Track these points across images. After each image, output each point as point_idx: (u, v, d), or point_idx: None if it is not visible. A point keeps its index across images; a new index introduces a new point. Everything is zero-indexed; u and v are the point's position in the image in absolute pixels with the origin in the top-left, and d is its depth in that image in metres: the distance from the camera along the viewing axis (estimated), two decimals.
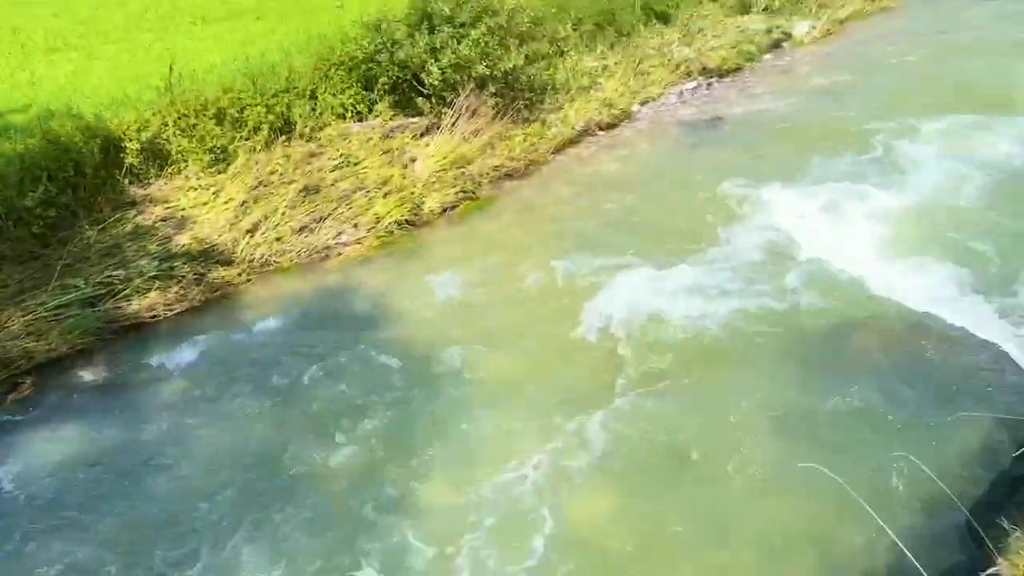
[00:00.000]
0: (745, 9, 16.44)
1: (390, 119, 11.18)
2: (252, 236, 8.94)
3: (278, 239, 8.98)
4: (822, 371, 6.34)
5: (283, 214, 9.20)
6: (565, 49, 12.69)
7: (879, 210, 8.69)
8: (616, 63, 13.71)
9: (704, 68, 14.52)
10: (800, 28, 16.28)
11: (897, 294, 7.09)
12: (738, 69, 14.83)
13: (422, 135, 11.13)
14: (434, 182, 10.28)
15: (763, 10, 16.49)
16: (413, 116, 11.36)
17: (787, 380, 6.25)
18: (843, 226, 8.41)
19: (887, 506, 4.79)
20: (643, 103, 13.50)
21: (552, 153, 11.76)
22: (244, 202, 9.25)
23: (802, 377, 6.28)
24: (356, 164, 10.21)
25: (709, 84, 14.31)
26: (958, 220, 8.29)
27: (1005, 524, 4.56)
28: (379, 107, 11.13)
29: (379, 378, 6.78)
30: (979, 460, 5.29)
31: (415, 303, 7.97)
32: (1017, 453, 4.90)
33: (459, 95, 10.95)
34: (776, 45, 15.96)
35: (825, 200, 8.99)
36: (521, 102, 11.76)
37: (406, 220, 9.67)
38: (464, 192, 10.47)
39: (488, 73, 10.96)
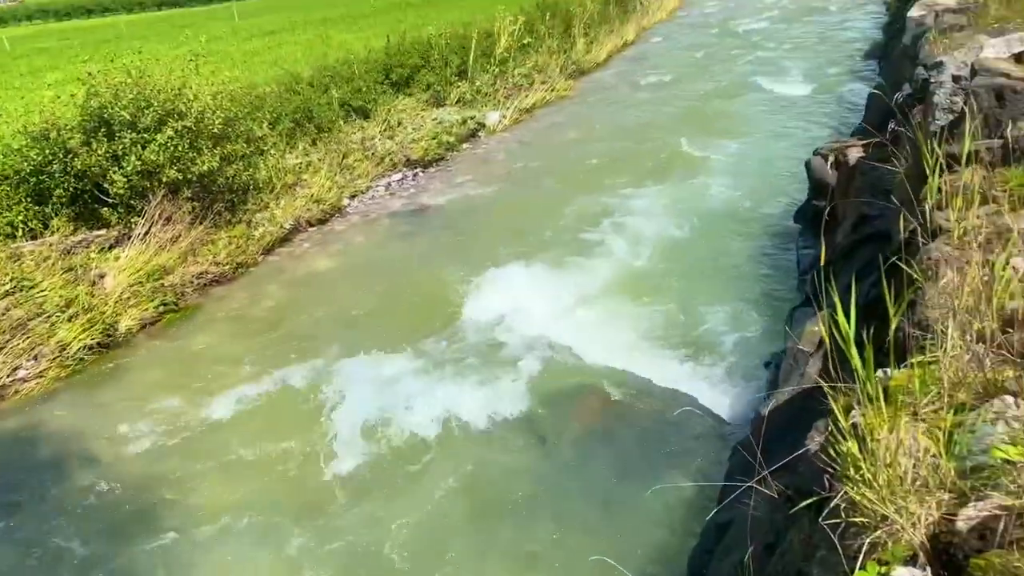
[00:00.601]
0: (439, 102, 17.24)
1: (71, 233, 10.13)
2: None
3: None
4: (535, 454, 6.41)
5: None
6: (264, 148, 12.39)
7: (583, 281, 9.22)
8: (320, 159, 13.65)
9: (408, 159, 14.92)
10: (492, 117, 17.37)
11: (605, 360, 7.50)
12: (440, 159, 15.41)
13: (111, 248, 10.20)
14: (128, 297, 9.41)
15: (456, 102, 17.40)
16: (99, 228, 10.40)
17: (496, 472, 6.22)
18: (551, 301, 8.81)
19: None
20: (352, 196, 13.54)
21: (262, 254, 11.34)
22: None
23: (509, 465, 6.28)
24: (32, 287, 9.05)
25: (415, 175, 14.71)
26: (649, 283, 9.04)
27: None
28: (56, 222, 10.05)
29: (59, 548, 5.88)
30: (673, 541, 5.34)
31: (111, 440, 7.09)
32: (704, 526, 4.97)
33: (150, 202, 10.22)
34: (473, 134, 16.85)
35: (535, 278, 9.41)
36: (222, 204, 11.24)
37: (98, 343, 8.72)
38: (165, 304, 9.69)
39: (181, 177, 10.35)
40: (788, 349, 5.43)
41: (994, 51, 5.47)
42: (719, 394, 6.79)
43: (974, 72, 5.08)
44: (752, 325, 7.79)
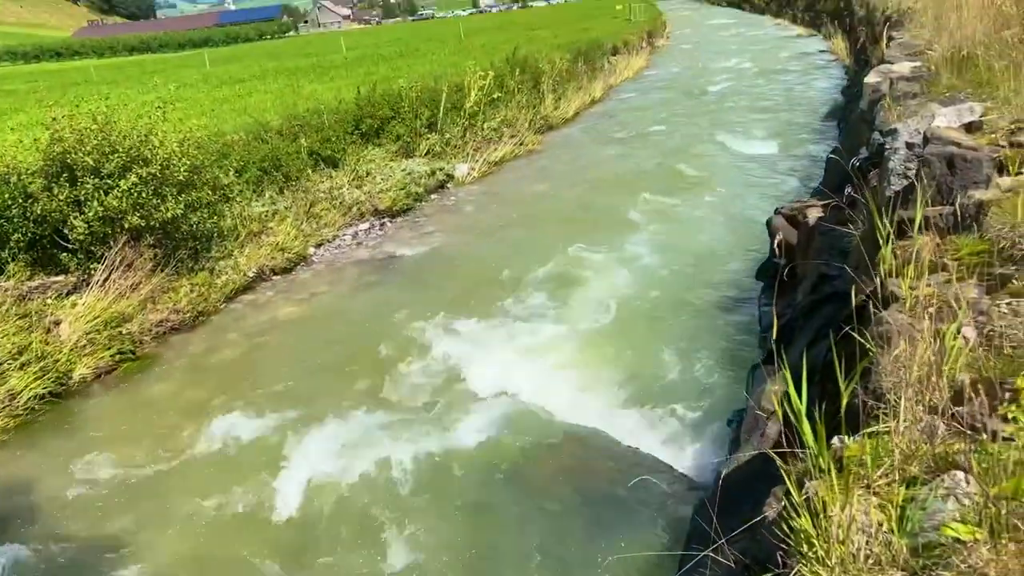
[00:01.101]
0: (409, 153, 17.35)
1: (28, 279, 9.95)
2: None
3: None
4: (487, 518, 6.27)
5: None
6: (231, 195, 12.33)
7: (548, 337, 9.18)
8: (287, 207, 13.61)
9: (376, 209, 14.95)
10: (461, 169, 17.52)
11: (564, 416, 7.45)
12: (409, 209, 15.46)
13: (69, 294, 10.02)
14: (84, 345, 9.21)
15: (425, 154, 17.52)
16: (57, 274, 10.23)
17: (444, 536, 6.07)
18: (516, 356, 8.77)
19: None
20: (318, 245, 13.50)
21: (224, 302, 11.21)
22: None
23: (459, 528, 6.13)
24: None
25: (382, 224, 14.72)
26: (611, 337, 9.04)
27: None
28: (13, 267, 9.87)
29: None
30: None
31: (56, 493, 6.87)
32: None
33: (111, 248, 10.08)
34: (441, 186, 16.96)
35: (500, 332, 9.38)
36: (185, 251, 11.12)
37: (50, 392, 8.50)
38: (122, 353, 9.52)
39: (144, 224, 10.24)
40: (748, 409, 5.44)
41: (945, 120, 5.63)
42: (681, 452, 6.76)
43: (926, 140, 5.22)
44: (716, 381, 7.80)
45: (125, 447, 7.61)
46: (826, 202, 8.33)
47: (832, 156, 10.40)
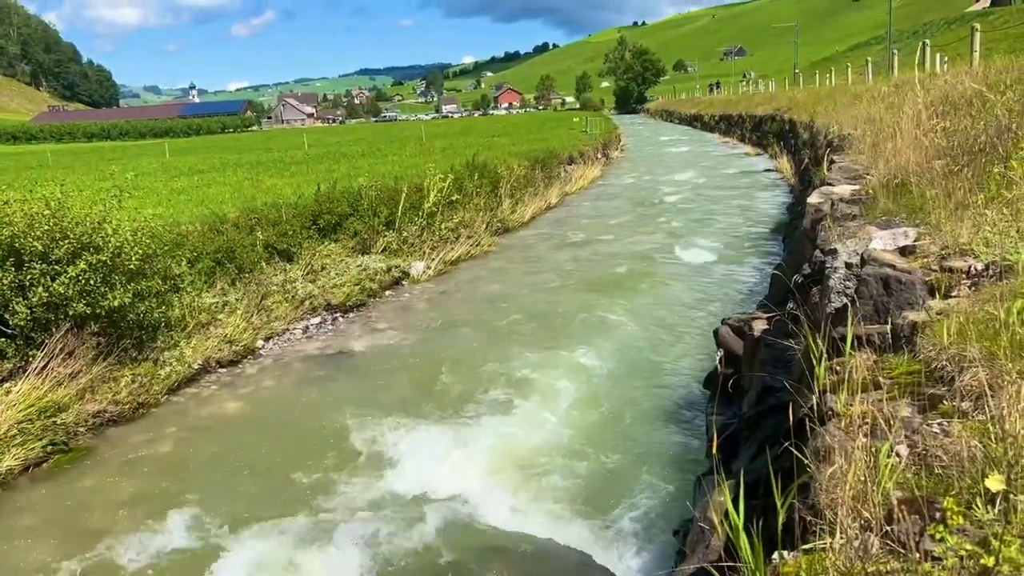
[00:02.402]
0: (365, 249, 17.47)
1: None
2: None
3: None
4: None
5: None
6: (181, 286, 12.21)
7: (496, 443, 9.07)
8: (238, 299, 13.50)
9: (329, 304, 14.91)
10: (417, 267, 17.66)
11: (510, 525, 7.32)
12: (362, 305, 15.46)
13: (3, 381, 9.68)
14: (15, 435, 8.85)
15: (382, 251, 17.66)
16: None
17: None
18: (462, 461, 8.64)
19: None
20: (268, 338, 13.36)
21: (166, 394, 10.94)
22: None
23: None
24: None
25: (334, 319, 14.67)
26: (559, 445, 8.99)
27: None
28: None
29: None
30: None
31: None
32: None
33: (52, 335, 9.83)
34: (396, 283, 17.05)
35: (447, 435, 9.24)
36: (129, 340, 10.88)
37: None
38: (55, 444, 9.16)
39: (89, 312, 10.05)
40: (693, 520, 5.43)
41: (881, 243, 5.90)
42: (628, 563, 6.67)
43: (864, 261, 5.46)
44: (663, 490, 7.77)
45: (45, 544, 7.23)
46: (771, 315, 8.57)
47: (776, 272, 10.75)
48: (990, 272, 4.53)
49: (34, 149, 72.98)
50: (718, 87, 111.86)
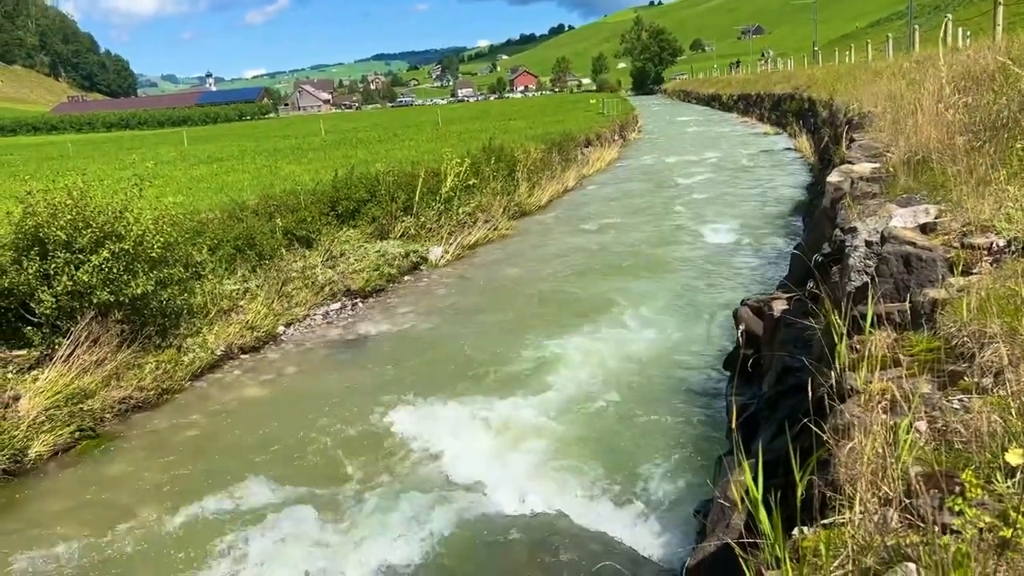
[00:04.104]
0: (383, 235, 17.54)
1: None
2: None
3: None
4: None
5: None
6: (203, 273, 12.33)
7: (517, 425, 9.09)
8: (258, 285, 13.61)
9: (348, 289, 15.00)
10: (435, 252, 17.72)
11: (533, 506, 7.35)
12: (381, 290, 15.55)
13: (31, 368, 9.86)
14: (43, 422, 9.01)
15: (400, 236, 17.73)
16: (20, 348, 10.08)
17: None
18: (484, 443, 8.70)
19: None
20: (288, 324, 13.47)
21: (189, 380, 11.09)
22: None
23: None
24: None
25: (354, 305, 14.76)
26: (580, 426, 9.02)
27: None
28: None
29: None
30: None
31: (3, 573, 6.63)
32: None
33: (78, 323, 9.98)
34: (415, 267, 17.11)
35: (469, 418, 9.30)
36: (153, 328, 11.03)
37: (3, 470, 8.27)
38: (82, 430, 9.32)
39: (113, 299, 10.19)
40: (714, 499, 5.46)
41: (902, 220, 5.86)
42: (648, 541, 6.70)
43: (884, 239, 5.43)
44: (684, 470, 7.80)
45: (75, 527, 7.38)
46: (790, 295, 8.53)
47: (796, 252, 10.69)
48: (1012, 248, 4.50)
49: (54, 140, 73.65)
50: (738, 66, 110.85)
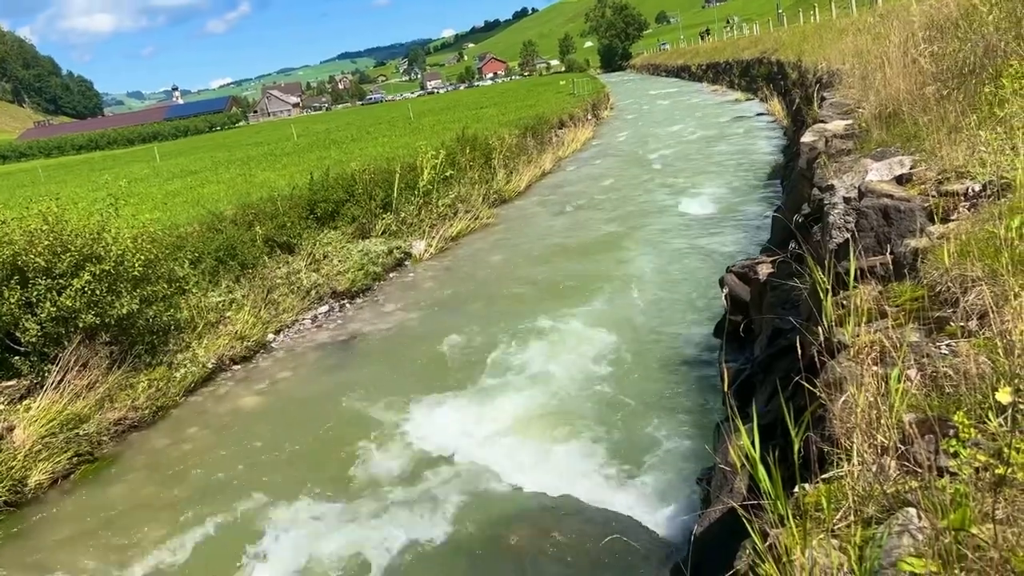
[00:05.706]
0: (365, 234, 17.47)
1: None
2: None
3: None
4: None
5: None
6: (186, 287, 12.25)
7: (515, 408, 9.14)
8: (244, 295, 13.55)
9: (335, 291, 14.96)
10: (418, 247, 17.68)
11: (535, 485, 7.41)
12: (368, 289, 15.51)
13: (22, 398, 9.78)
14: (40, 450, 8.96)
15: (382, 233, 17.67)
16: (9, 379, 10.00)
17: None
18: (483, 428, 8.74)
19: None
20: (278, 331, 13.43)
21: (184, 395, 11.05)
22: None
23: None
24: None
25: (342, 306, 14.72)
26: (577, 404, 9.06)
27: None
28: None
29: None
30: None
31: None
32: None
33: (65, 348, 9.91)
34: (399, 264, 17.08)
35: (466, 405, 9.35)
36: (141, 346, 10.97)
37: (4, 502, 8.23)
38: (80, 455, 9.28)
39: (99, 321, 10.12)
40: (716, 465, 5.50)
41: (878, 174, 5.90)
42: (654, 512, 6.76)
43: (862, 194, 5.47)
44: (683, 440, 7.85)
45: (81, 555, 7.36)
46: (774, 258, 8.58)
47: (776, 215, 10.74)
48: (987, 192, 4.54)
49: (24, 167, 72.84)
50: (708, 34, 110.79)
